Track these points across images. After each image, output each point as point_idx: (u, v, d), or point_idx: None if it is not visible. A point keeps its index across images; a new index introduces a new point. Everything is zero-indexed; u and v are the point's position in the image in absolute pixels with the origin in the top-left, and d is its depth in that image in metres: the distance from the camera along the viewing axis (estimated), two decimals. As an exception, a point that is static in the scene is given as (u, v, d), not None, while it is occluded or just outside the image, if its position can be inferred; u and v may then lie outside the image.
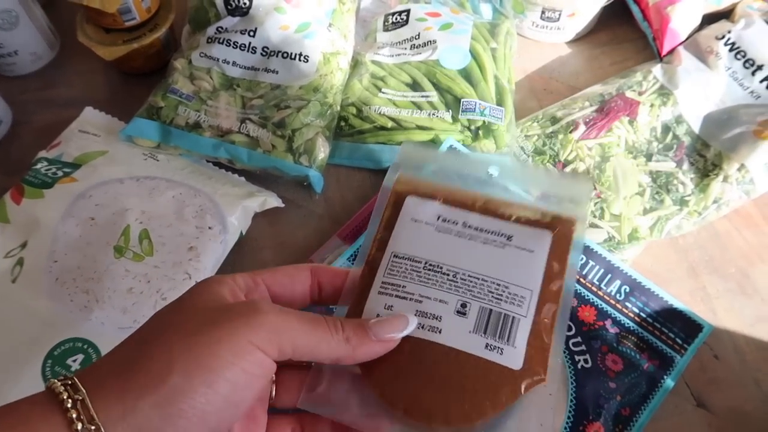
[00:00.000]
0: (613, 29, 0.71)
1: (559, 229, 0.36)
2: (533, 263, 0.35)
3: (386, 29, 0.66)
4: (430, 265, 0.35)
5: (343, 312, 0.34)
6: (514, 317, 0.33)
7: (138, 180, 0.54)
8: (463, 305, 0.34)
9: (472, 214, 0.37)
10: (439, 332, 0.33)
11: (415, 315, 0.33)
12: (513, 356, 0.32)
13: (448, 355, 0.32)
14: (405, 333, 0.32)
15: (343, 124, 0.61)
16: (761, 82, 0.58)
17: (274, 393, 0.33)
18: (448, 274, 0.35)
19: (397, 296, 0.34)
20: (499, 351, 0.32)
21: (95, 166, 0.55)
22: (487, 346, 0.33)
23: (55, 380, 0.26)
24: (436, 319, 0.33)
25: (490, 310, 0.34)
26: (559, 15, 0.66)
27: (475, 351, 0.32)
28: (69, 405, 0.25)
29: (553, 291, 0.34)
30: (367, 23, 0.69)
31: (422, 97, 0.59)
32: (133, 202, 0.52)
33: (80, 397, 0.25)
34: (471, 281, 0.34)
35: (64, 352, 0.45)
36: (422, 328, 0.33)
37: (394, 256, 0.36)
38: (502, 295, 0.34)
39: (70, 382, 0.26)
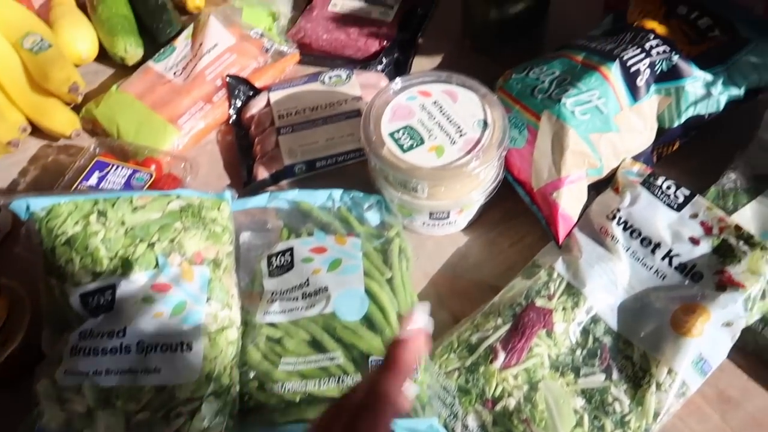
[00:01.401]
0: (503, 205, 0.68)
1: None
2: None
3: (271, 274, 0.60)
4: None
5: None
6: None
7: None
8: None
9: None
10: None
11: None
12: None
13: None
14: None
15: (246, 398, 0.54)
16: (662, 259, 0.56)
17: None
18: None
19: None
20: None
21: None
22: None
23: None
24: None
25: None
26: (448, 213, 0.63)
27: None
28: None
29: None
30: (250, 262, 0.63)
31: (328, 359, 0.54)
32: None
33: None
34: None
35: None
36: None
37: None
38: None
39: None
